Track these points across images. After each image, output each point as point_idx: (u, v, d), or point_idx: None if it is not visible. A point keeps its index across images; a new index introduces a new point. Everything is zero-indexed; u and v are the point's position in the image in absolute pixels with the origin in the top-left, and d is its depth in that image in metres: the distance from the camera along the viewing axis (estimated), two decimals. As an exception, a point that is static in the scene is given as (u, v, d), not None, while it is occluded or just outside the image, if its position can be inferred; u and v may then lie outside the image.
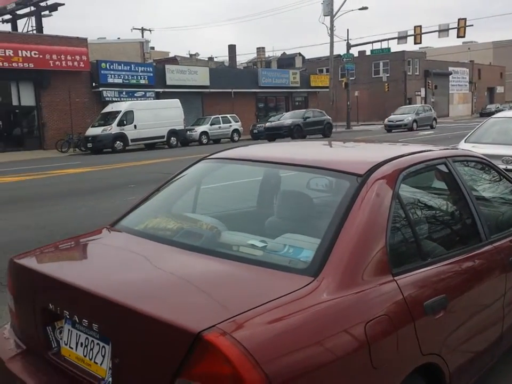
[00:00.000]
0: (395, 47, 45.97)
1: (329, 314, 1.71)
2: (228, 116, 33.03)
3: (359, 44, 43.22)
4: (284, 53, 68.80)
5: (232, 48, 57.31)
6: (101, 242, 2.52)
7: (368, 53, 50.15)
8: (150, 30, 53.51)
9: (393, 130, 34.26)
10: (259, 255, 2.08)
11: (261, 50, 65.05)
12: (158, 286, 1.86)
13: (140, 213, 2.71)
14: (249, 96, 39.73)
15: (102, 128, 25.79)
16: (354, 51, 47.59)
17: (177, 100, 29.28)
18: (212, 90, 36.15)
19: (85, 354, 1.88)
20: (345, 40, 40.99)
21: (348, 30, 49.46)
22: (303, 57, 64.97)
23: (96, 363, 1.82)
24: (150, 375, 1.61)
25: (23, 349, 2.16)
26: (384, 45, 41.29)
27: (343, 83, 41.08)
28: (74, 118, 28.82)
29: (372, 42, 41.59)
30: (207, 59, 57.61)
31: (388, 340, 1.83)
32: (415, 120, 34.80)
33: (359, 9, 39.58)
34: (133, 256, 2.21)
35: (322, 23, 39.55)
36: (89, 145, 25.66)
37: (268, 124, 30.62)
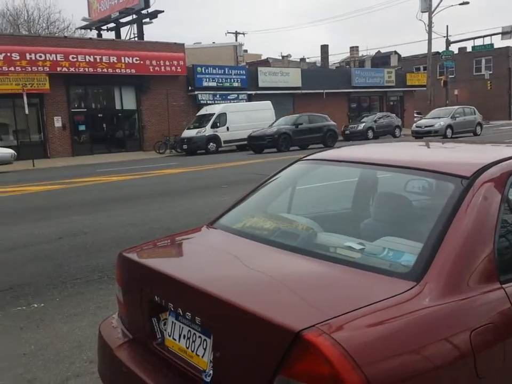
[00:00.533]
0: (498, 42, 43.38)
1: (433, 320, 1.66)
2: (320, 116, 32.83)
3: (459, 41, 41.30)
4: (379, 51, 67.20)
5: (324, 48, 56.93)
6: (202, 239, 2.62)
7: (469, 49, 47.78)
8: (244, 33, 54.62)
9: (424, 138, 26.62)
10: (357, 257, 2.06)
11: (354, 49, 64.07)
12: (258, 284, 1.90)
13: (238, 212, 2.78)
14: (341, 96, 39.28)
15: (197, 130, 26.71)
16: (454, 48, 45.55)
17: (269, 102, 29.61)
18: (303, 91, 36.16)
19: (187, 346, 1.96)
20: (444, 36, 39.29)
21: (447, 26, 46.99)
22: (399, 55, 63.09)
23: (198, 355, 1.89)
24: (250, 370, 1.65)
25: (130, 338, 2.30)
26: (487, 40, 39.12)
27: (442, 81, 39.45)
28: (171, 121, 30.07)
29: (473, 38, 39.56)
30: (299, 60, 57.72)
31: (494, 349, 1.74)
32: (449, 126, 28.62)
33: (460, 4, 37.70)
34: (233, 254, 2.27)
35: (420, 19, 38.41)
36: (185, 146, 26.69)
37: (251, 133, 25.77)
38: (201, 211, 8.50)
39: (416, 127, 29.58)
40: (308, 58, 62.44)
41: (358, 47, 64.54)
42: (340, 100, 39.23)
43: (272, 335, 1.58)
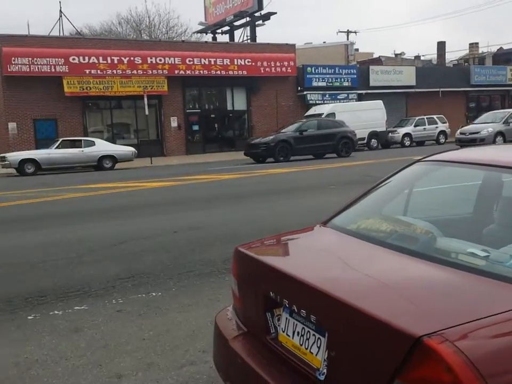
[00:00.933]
0: None
1: None
2: (434, 116, 31.51)
3: None
4: (501, 47, 62.76)
5: (441, 45, 54.30)
6: (315, 238, 2.63)
7: None
8: (355, 32, 53.73)
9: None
10: (481, 264, 1.95)
11: (473, 46, 60.39)
12: (376, 286, 1.87)
13: (352, 213, 2.76)
14: (459, 95, 37.33)
15: (304, 130, 26.77)
16: None
17: (380, 101, 28.93)
18: (417, 90, 34.86)
19: (301, 343, 1.97)
20: None
21: None
22: (524, 52, 58.43)
23: (312, 353, 1.90)
24: (366, 371, 1.63)
25: (244, 331, 2.36)
26: None
27: None
28: (279, 121, 30.45)
29: None
30: (413, 58, 55.61)
31: None
32: (500, 133, 23.54)
33: None
34: (348, 255, 2.25)
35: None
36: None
37: (249, 140, 23.83)
38: (308, 211, 8.51)
39: (460, 133, 24.63)
40: (422, 56, 59.88)
41: (477, 43, 60.75)
42: (457, 99, 37.28)
43: (390, 339, 1.55)
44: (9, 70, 24.92)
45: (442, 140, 31.02)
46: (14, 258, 6.36)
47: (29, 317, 4.36)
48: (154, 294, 4.85)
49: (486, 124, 24.31)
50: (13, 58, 24.90)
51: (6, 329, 4.12)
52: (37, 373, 3.36)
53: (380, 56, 49.51)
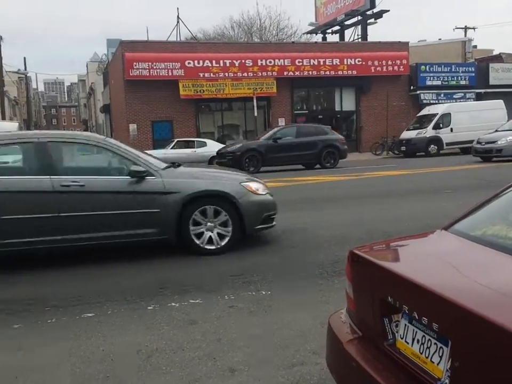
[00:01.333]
0: None
1: None
2: None
3: None
4: None
5: None
6: (437, 244, 2.53)
7: None
8: (474, 28, 50.70)
9: (493, 159, 19.40)
10: None
11: None
12: (505, 295, 1.76)
13: (475, 218, 2.61)
14: None
15: (417, 131, 25.79)
16: None
17: (501, 101, 26.98)
18: (543, 88, 32.12)
19: (421, 352, 1.92)
20: None
21: None
22: None
23: (433, 362, 1.84)
24: (493, 385, 1.55)
25: (359, 335, 2.34)
26: None
27: None
28: (390, 122, 29.54)
29: None
30: (539, 54, 51.30)
31: None
32: None
33: None
34: (473, 262, 2.15)
35: None
36: (403, 148, 26.00)
37: (220, 148, 21.59)
38: (420, 216, 8.19)
39: (478, 142, 20.66)
40: (550, 50, 55.09)
41: None
42: None
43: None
44: (131, 74, 26.67)
45: None
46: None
47: (149, 307, 4.65)
48: (263, 292, 4.95)
49: (509, 131, 20.08)
50: (135, 63, 26.62)
51: (129, 318, 4.43)
52: (156, 361, 3.57)
53: (500, 53, 46.22)
